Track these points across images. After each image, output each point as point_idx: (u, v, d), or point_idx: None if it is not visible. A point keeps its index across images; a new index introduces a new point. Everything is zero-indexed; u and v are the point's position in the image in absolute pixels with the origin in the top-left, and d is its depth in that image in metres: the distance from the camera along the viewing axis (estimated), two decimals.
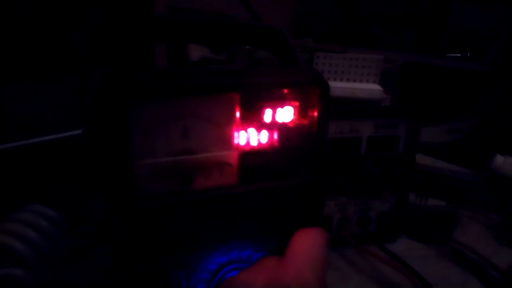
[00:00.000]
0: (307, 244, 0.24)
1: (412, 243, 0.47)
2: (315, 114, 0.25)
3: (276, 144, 0.25)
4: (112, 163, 0.20)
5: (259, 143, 0.24)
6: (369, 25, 2.21)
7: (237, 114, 0.23)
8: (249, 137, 0.24)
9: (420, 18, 2.09)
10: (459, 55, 1.93)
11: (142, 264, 0.23)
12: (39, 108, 0.50)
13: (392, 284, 0.39)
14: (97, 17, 0.26)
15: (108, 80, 0.20)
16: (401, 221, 0.46)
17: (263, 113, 0.24)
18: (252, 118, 0.24)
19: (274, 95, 0.24)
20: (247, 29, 0.31)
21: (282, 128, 0.25)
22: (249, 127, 0.24)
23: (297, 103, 0.25)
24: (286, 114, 0.25)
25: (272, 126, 0.24)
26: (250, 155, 0.24)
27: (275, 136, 0.25)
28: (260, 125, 0.24)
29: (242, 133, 0.24)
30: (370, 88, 0.51)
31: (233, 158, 0.24)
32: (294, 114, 0.25)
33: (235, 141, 0.24)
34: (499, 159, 0.56)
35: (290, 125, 0.25)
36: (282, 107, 0.24)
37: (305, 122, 0.25)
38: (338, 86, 0.50)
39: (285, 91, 0.24)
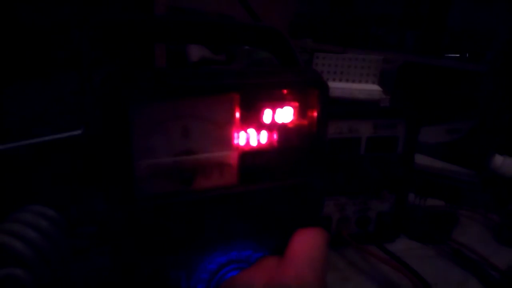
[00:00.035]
0: (307, 244, 0.24)
1: (412, 243, 0.47)
2: (315, 114, 0.25)
3: (275, 144, 0.25)
4: (112, 163, 0.20)
5: (259, 143, 0.24)
6: (369, 26, 2.22)
7: (237, 115, 0.23)
8: (249, 138, 0.24)
9: (419, 19, 2.09)
10: (458, 55, 1.94)
11: (142, 264, 0.23)
12: (39, 108, 0.50)
13: (392, 284, 0.39)
14: (97, 17, 0.26)
15: (109, 80, 0.20)
16: (400, 221, 0.46)
17: (263, 114, 0.24)
18: (252, 119, 0.24)
19: (273, 95, 0.24)
20: (246, 29, 0.31)
21: (282, 129, 0.25)
22: (249, 128, 0.24)
23: (296, 104, 0.25)
24: (285, 114, 0.25)
25: (272, 126, 0.25)
26: (250, 155, 0.24)
27: (275, 136, 0.25)
28: (260, 126, 0.24)
29: (242, 133, 0.24)
30: (369, 88, 0.51)
31: (233, 158, 0.24)
32: (294, 114, 0.25)
33: (235, 142, 0.24)
34: (498, 159, 0.56)
35: (290, 125, 0.25)
36: (281, 107, 0.24)
37: (305, 122, 0.25)
38: (338, 87, 0.50)
39: (285, 91, 0.25)
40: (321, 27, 2.29)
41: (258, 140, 0.24)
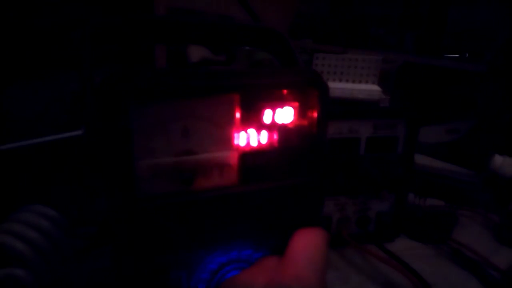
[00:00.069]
0: (307, 244, 0.24)
1: (411, 243, 0.47)
2: (315, 114, 0.25)
3: (276, 144, 0.25)
4: (113, 163, 0.20)
5: (259, 143, 0.25)
6: (368, 26, 2.22)
7: (237, 115, 0.23)
8: (249, 138, 0.24)
9: (419, 19, 2.09)
10: (457, 55, 1.94)
11: (142, 264, 0.23)
12: (40, 108, 0.50)
13: (392, 283, 0.39)
14: (98, 17, 0.26)
15: (109, 81, 0.20)
16: (400, 221, 0.46)
17: (263, 114, 0.24)
18: (252, 119, 0.24)
19: (273, 96, 0.24)
20: (246, 30, 0.31)
21: (282, 129, 0.25)
22: (249, 128, 0.24)
23: (296, 104, 0.25)
24: (285, 114, 0.25)
25: (272, 126, 0.25)
26: (250, 155, 0.24)
27: (275, 136, 0.25)
28: (260, 126, 0.24)
29: (242, 133, 0.24)
30: (369, 88, 0.51)
31: (233, 158, 0.24)
32: (294, 114, 0.25)
33: (235, 142, 0.24)
34: (498, 159, 0.56)
35: (290, 125, 0.25)
36: (281, 107, 0.25)
37: (305, 122, 0.25)
38: (337, 87, 0.50)
39: (285, 92, 0.25)
40: (321, 27, 2.29)
41: (258, 141, 0.24)
